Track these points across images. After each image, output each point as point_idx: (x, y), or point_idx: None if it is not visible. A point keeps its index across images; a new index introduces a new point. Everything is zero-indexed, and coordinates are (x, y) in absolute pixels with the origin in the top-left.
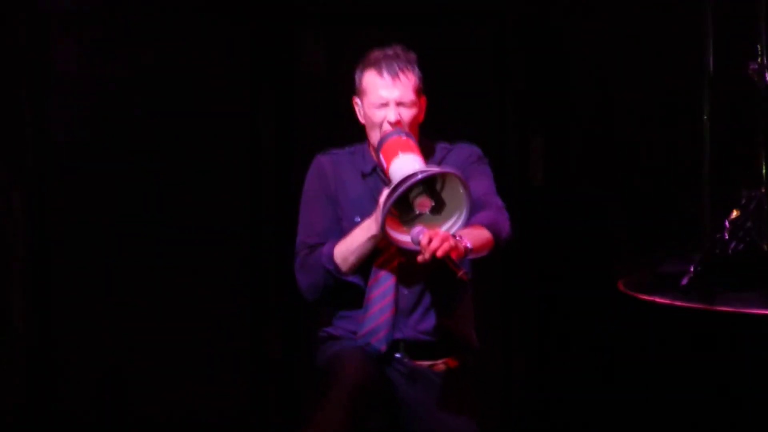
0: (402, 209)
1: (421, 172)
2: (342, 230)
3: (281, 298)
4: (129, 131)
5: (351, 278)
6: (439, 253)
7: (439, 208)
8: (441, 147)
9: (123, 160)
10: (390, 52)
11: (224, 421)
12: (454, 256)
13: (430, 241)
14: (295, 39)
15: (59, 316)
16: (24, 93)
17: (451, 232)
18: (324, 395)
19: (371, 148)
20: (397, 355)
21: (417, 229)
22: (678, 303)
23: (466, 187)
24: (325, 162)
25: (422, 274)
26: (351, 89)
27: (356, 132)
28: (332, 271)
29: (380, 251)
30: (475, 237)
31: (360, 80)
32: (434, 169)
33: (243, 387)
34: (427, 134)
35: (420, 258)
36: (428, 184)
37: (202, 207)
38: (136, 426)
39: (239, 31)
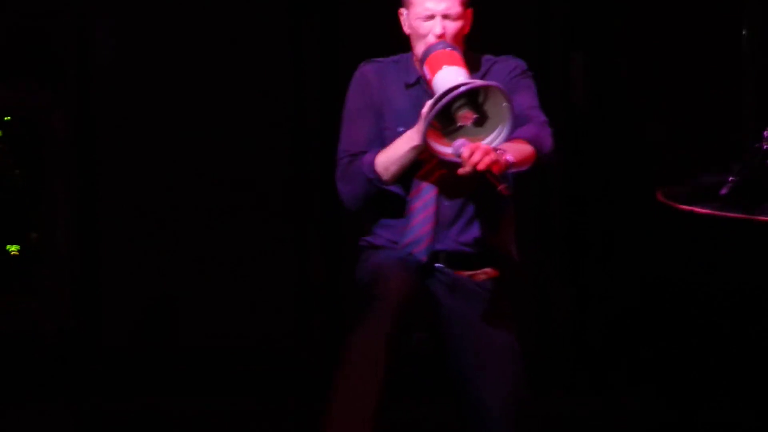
0: (445, 121)
1: (464, 84)
2: (384, 140)
3: (325, 218)
4: (171, 55)
5: (393, 188)
6: (480, 166)
7: (482, 121)
8: (486, 60)
9: (166, 84)
10: None
11: (271, 343)
12: (495, 169)
13: (471, 154)
14: None
15: (105, 242)
16: (66, 15)
17: (493, 146)
18: (367, 308)
19: (415, 60)
20: (438, 266)
21: (459, 141)
22: (717, 213)
23: (509, 100)
24: (369, 71)
25: (464, 187)
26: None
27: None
28: (373, 180)
29: (422, 163)
30: (517, 151)
31: None
32: (478, 81)
33: (288, 308)
34: (472, 47)
35: (461, 171)
36: (471, 97)
37: (246, 127)
38: (183, 352)
39: None
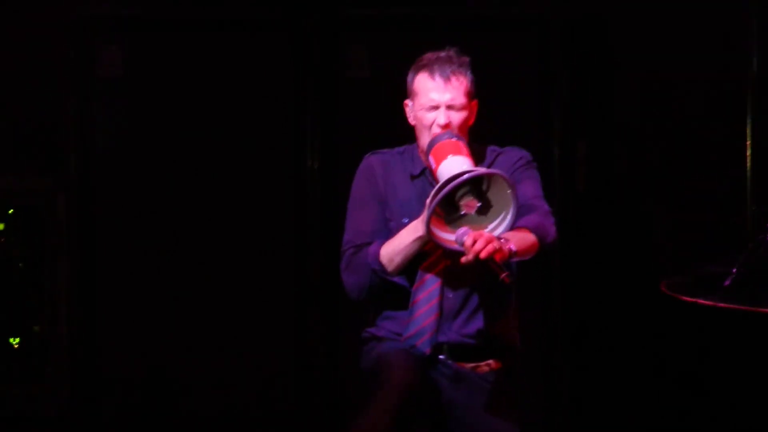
0: (448, 210)
1: (468, 172)
2: (389, 231)
3: (324, 298)
4: (171, 138)
5: (397, 279)
6: (482, 255)
7: (485, 209)
8: (491, 150)
9: (165, 166)
10: (443, 54)
11: (270, 420)
12: (498, 258)
13: (474, 242)
14: (339, 45)
15: (103, 319)
16: (67, 99)
17: (496, 234)
18: (372, 398)
19: (420, 151)
20: (441, 357)
21: (462, 230)
22: (721, 305)
23: (512, 188)
24: (374, 162)
25: (468, 278)
26: (395, 94)
27: (402, 136)
28: (378, 271)
29: (426, 254)
30: (520, 240)
31: (412, 82)
32: (481, 169)
33: (287, 386)
34: (476, 138)
35: (463, 259)
36: (475, 186)
37: (247, 209)
38: (182, 424)
39: (282, 38)
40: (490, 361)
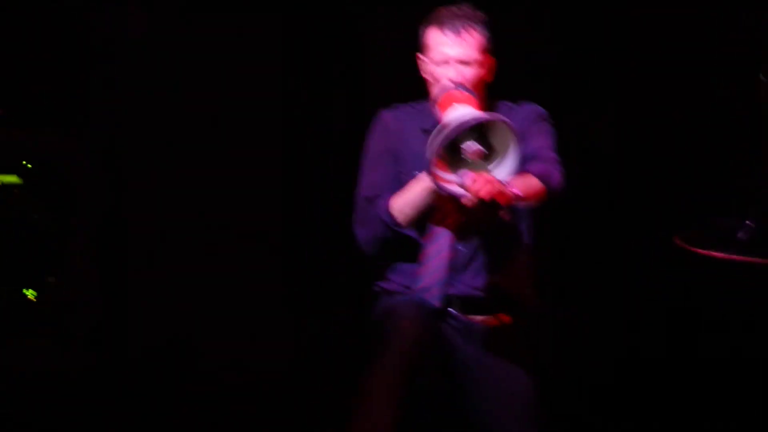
0: (454, 158)
1: (470, 116)
2: (402, 185)
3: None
4: (194, 104)
5: (408, 232)
6: (483, 194)
7: (490, 156)
8: (505, 105)
9: (189, 128)
10: (456, 10)
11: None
12: (501, 200)
13: (474, 182)
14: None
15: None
16: (89, 67)
17: (500, 178)
18: (381, 348)
19: (433, 105)
20: (451, 311)
21: (464, 172)
22: (735, 257)
23: (516, 135)
24: (387, 117)
25: (479, 231)
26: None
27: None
28: (389, 223)
29: (438, 207)
30: (524, 185)
31: (424, 36)
32: (482, 115)
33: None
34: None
35: (465, 200)
36: (481, 134)
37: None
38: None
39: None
40: (502, 315)
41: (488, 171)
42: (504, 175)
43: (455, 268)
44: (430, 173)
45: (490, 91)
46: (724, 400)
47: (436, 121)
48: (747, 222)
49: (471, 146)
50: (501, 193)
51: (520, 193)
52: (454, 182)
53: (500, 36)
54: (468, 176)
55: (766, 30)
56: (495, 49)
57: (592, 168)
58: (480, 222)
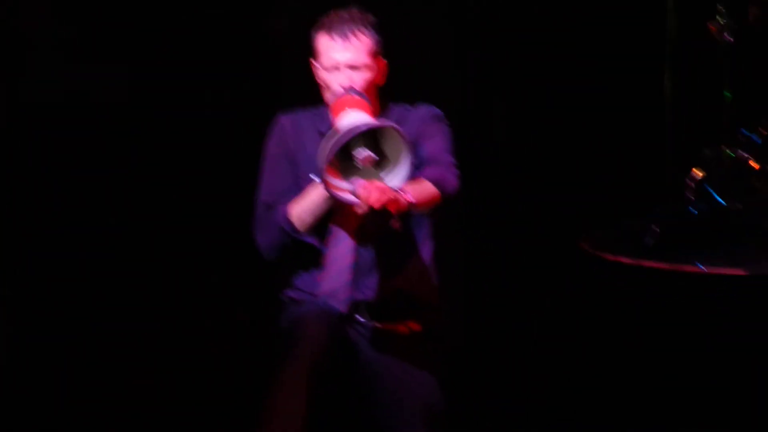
0: (346, 165)
1: (360, 122)
2: (301, 189)
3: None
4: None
5: (308, 239)
6: (375, 204)
7: (382, 163)
8: (400, 109)
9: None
10: (344, 14)
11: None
12: (393, 208)
13: (367, 192)
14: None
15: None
16: None
17: (392, 186)
18: (286, 355)
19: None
20: (358, 317)
21: (357, 181)
22: (643, 263)
23: (405, 139)
24: (285, 121)
25: (380, 235)
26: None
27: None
28: (288, 230)
29: (338, 211)
30: (418, 190)
31: (314, 42)
32: (372, 121)
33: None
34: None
35: (358, 209)
36: (373, 140)
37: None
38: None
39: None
40: (410, 323)
41: (380, 178)
42: (396, 182)
43: (359, 271)
44: (323, 181)
45: (383, 94)
46: (629, 405)
47: (331, 125)
48: (652, 226)
49: (362, 153)
50: (392, 201)
51: (414, 200)
52: (347, 190)
53: (392, 36)
54: (359, 184)
55: (672, 26)
56: (386, 50)
57: (492, 170)
58: (376, 227)
